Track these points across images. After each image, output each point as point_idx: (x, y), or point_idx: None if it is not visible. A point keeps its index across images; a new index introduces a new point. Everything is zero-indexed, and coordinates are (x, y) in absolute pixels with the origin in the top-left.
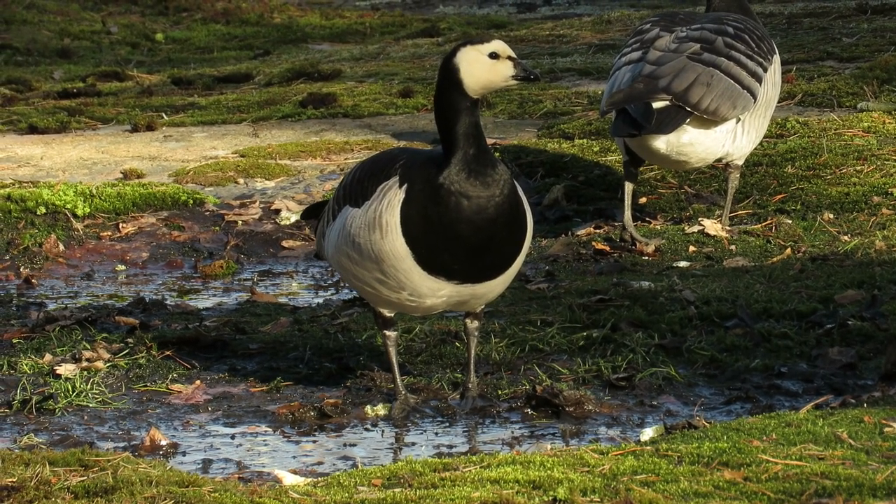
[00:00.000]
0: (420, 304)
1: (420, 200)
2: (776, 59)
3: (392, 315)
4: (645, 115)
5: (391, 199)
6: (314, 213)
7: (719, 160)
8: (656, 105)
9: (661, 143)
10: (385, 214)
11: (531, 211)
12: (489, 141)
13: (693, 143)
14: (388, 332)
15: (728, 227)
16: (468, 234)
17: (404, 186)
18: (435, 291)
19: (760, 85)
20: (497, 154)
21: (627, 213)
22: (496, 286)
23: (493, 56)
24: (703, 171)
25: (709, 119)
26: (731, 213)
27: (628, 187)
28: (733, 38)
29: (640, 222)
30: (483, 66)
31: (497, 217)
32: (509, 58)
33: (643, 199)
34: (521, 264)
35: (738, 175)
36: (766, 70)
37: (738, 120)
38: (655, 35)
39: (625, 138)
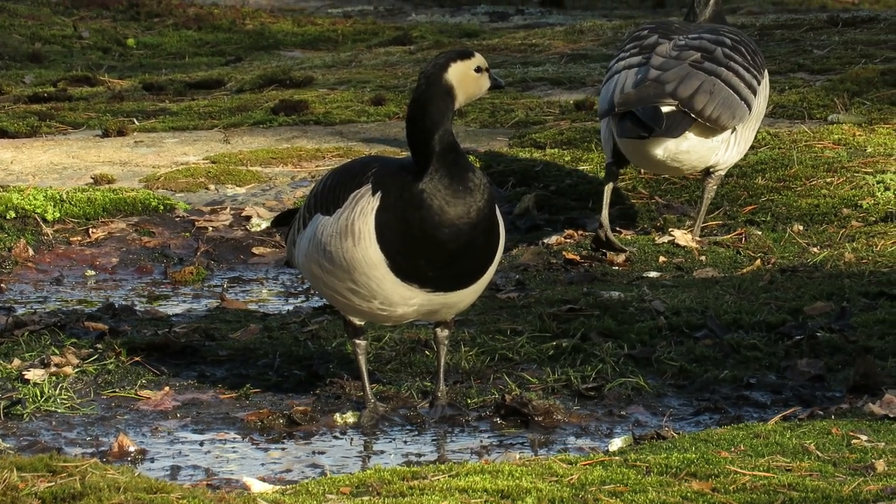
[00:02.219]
0: (391, 312)
1: (398, 207)
2: (766, 73)
3: (362, 323)
4: (655, 118)
5: (364, 207)
6: (285, 221)
7: (706, 168)
8: (664, 109)
9: (660, 149)
10: (357, 222)
11: (503, 220)
12: None
13: (690, 151)
14: (357, 341)
15: (699, 238)
16: (448, 240)
17: (378, 194)
18: (406, 300)
19: (755, 97)
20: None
21: (605, 212)
22: (468, 295)
23: (478, 70)
24: (675, 181)
25: (709, 127)
26: (702, 223)
27: (609, 187)
28: (731, 49)
29: (611, 232)
30: (471, 80)
31: (478, 223)
32: (487, 69)
33: (613, 209)
34: (493, 273)
35: (715, 186)
36: (759, 83)
37: (733, 130)
38: (655, 41)
39: (627, 140)
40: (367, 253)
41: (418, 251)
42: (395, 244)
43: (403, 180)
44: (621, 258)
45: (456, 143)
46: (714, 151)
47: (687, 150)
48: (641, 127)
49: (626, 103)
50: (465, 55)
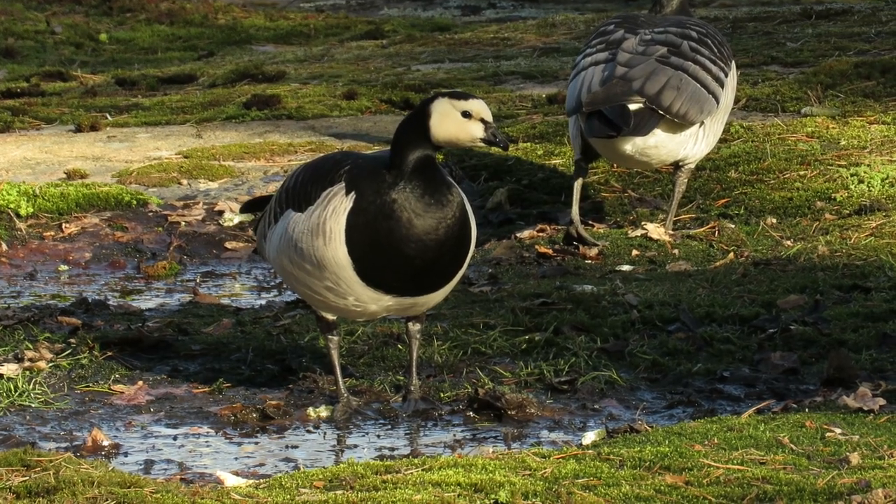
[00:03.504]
0: (364, 309)
1: (369, 212)
2: (733, 64)
3: (334, 318)
4: (622, 116)
5: (336, 207)
6: (255, 207)
7: (675, 162)
8: (632, 107)
9: (629, 144)
10: (329, 221)
11: (475, 215)
12: None
13: (658, 146)
14: (330, 335)
15: (671, 231)
16: (414, 255)
17: (352, 195)
18: (377, 300)
19: (723, 89)
20: (441, 157)
21: (575, 208)
22: (437, 296)
23: (466, 115)
24: (647, 174)
25: (677, 123)
26: (674, 216)
27: (579, 183)
28: (697, 42)
29: (583, 226)
30: (453, 121)
31: (446, 240)
32: (482, 119)
33: (585, 203)
34: (463, 274)
35: (686, 179)
36: (727, 75)
37: (702, 124)
38: (621, 37)
39: (595, 139)
40: (337, 254)
41: (384, 262)
42: (362, 249)
43: (378, 184)
44: (594, 252)
45: (435, 163)
46: (683, 146)
47: (655, 145)
48: (609, 126)
49: (593, 102)
50: (458, 96)
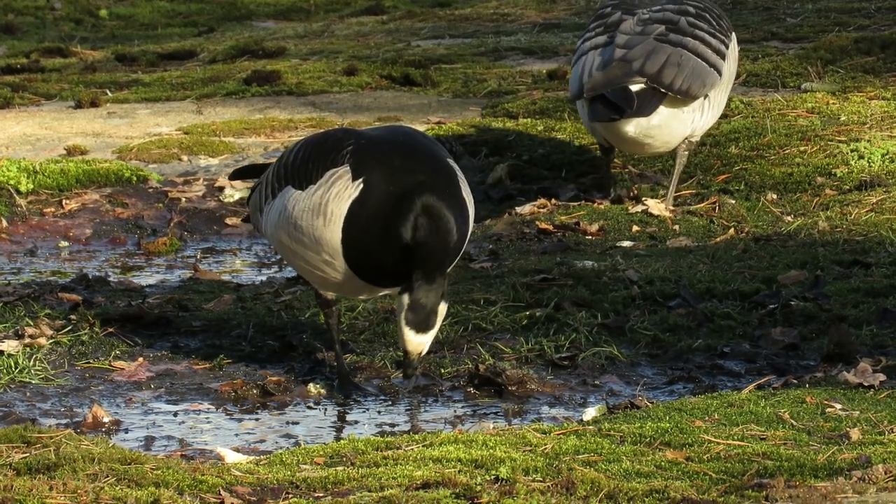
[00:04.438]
0: (361, 290)
1: (373, 217)
2: (734, 35)
3: (333, 296)
4: (625, 98)
5: (340, 191)
6: (245, 175)
7: (681, 143)
8: (633, 88)
9: (632, 126)
10: (332, 203)
11: (473, 193)
12: (433, 119)
13: (661, 126)
14: (329, 312)
15: (672, 207)
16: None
17: (359, 184)
18: (370, 289)
19: (724, 61)
20: (428, 132)
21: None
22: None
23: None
24: None
25: (680, 99)
26: (675, 192)
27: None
28: (695, 17)
29: (583, 201)
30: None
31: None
32: (405, 350)
33: (586, 179)
34: (459, 258)
35: (687, 153)
36: (727, 47)
37: (706, 97)
38: (619, 18)
39: (599, 123)
40: (334, 237)
41: (373, 262)
42: (355, 246)
43: (388, 183)
44: (595, 227)
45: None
46: (687, 122)
47: (658, 125)
48: (612, 109)
49: (594, 87)
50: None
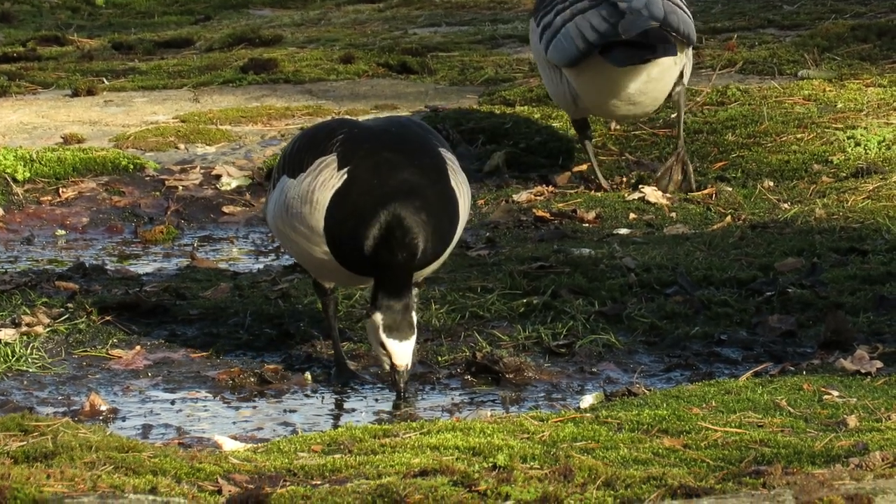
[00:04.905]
0: (354, 280)
1: (353, 210)
2: None
3: (331, 284)
4: (661, 37)
5: (326, 179)
6: None
7: (670, 96)
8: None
9: (644, 75)
10: (317, 192)
11: (470, 181)
12: (430, 107)
13: (661, 77)
14: (327, 299)
15: (683, 152)
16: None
17: (343, 174)
18: (359, 279)
19: (689, 17)
20: (424, 120)
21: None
22: (426, 271)
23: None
24: (644, 137)
25: (674, 49)
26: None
27: (589, 143)
28: None
29: (581, 188)
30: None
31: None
32: (393, 364)
33: (583, 167)
34: (452, 248)
35: (685, 94)
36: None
37: (685, 54)
38: None
39: (619, 71)
40: (319, 225)
41: (354, 254)
42: (338, 235)
43: (373, 185)
44: (592, 215)
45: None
46: (674, 76)
47: (659, 76)
48: (645, 49)
49: (629, 30)
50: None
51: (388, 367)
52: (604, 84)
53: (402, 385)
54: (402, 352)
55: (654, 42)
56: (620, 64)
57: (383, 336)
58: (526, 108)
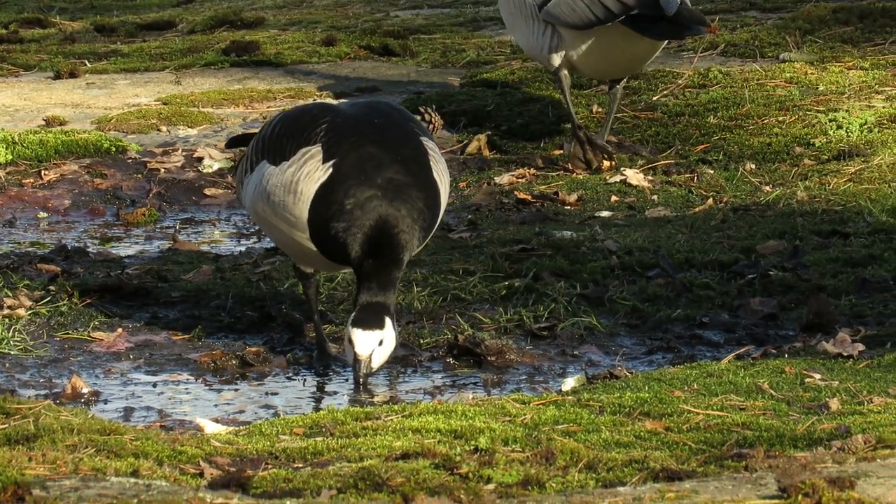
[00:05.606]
0: (333, 266)
1: (339, 206)
2: None
3: (311, 269)
4: (695, 17)
5: (311, 171)
6: (241, 143)
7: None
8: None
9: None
10: (302, 183)
11: (450, 164)
12: (412, 90)
13: (657, 51)
14: (308, 282)
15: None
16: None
17: (329, 167)
18: (338, 266)
19: None
20: (406, 102)
21: (573, 117)
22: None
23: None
24: (626, 120)
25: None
26: (651, 164)
27: (568, 93)
28: None
29: (561, 171)
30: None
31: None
32: (354, 353)
33: (561, 151)
34: (435, 230)
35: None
36: None
37: None
38: None
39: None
40: (303, 216)
41: (337, 246)
42: (321, 227)
43: (359, 181)
44: (573, 197)
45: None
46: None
47: (659, 48)
48: (684, 27)
49: (669, 6)
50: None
51: (351, 359)
52: (609, 49)
53: (359, 375)
54: (362, 341)
55: (686, 21)
56: (659, 37)
57: (349, 325)
58: (508, 90)
